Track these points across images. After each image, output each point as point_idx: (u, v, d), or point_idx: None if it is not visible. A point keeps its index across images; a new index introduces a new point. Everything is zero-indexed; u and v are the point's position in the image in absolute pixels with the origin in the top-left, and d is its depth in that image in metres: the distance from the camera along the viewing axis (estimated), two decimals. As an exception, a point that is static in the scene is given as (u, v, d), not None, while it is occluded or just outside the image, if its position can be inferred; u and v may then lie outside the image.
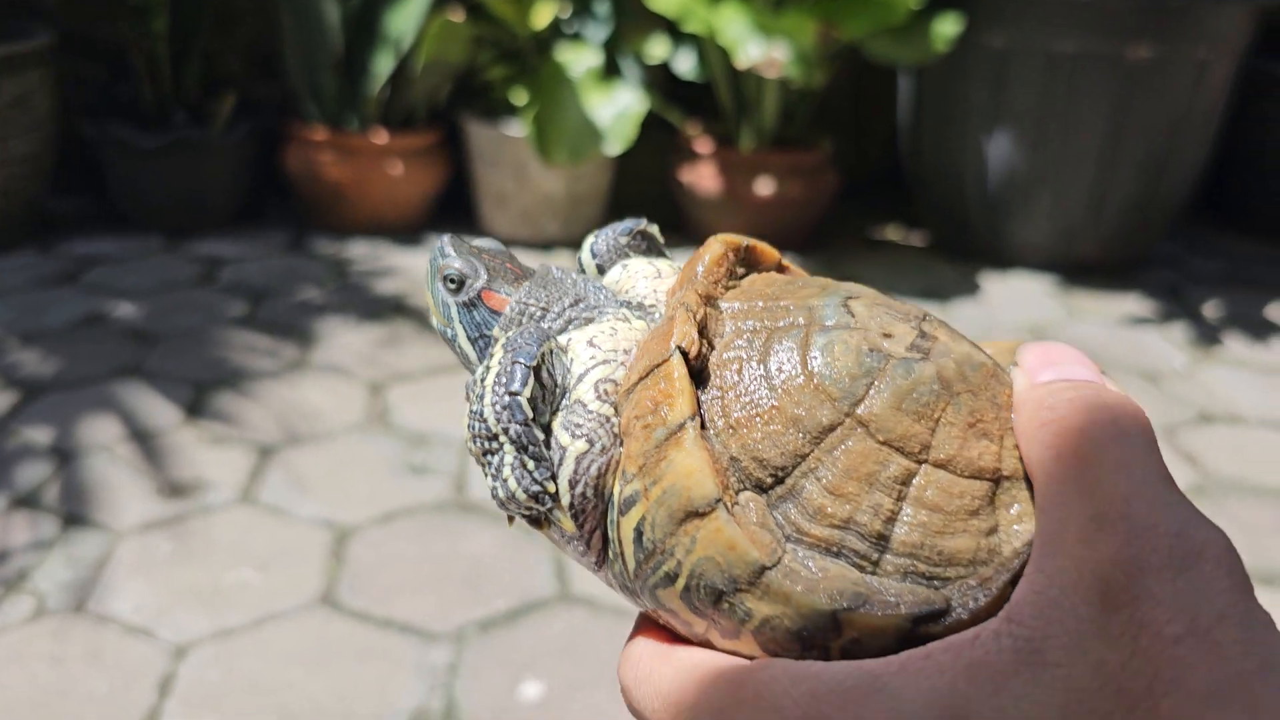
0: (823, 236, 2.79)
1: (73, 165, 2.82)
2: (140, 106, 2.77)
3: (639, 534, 0.37)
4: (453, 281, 0.46)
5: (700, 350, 0.39)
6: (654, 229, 0.48)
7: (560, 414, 0.41)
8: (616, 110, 2.44)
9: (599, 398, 0.40)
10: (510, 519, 0.42)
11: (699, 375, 0.39)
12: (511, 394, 0.40)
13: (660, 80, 2.73)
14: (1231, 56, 2.54)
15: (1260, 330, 2.41)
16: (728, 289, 0.42)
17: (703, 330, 0.39)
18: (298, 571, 1.48)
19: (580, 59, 2.52)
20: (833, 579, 0.35)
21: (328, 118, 2.71)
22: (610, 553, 0.40)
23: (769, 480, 0.37)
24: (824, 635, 0.34)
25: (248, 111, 2.82)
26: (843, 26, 2.30)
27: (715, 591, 0.36)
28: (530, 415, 0.40)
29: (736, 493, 0.37)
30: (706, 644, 0.37)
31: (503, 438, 0.40)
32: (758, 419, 0.37)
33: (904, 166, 2.93)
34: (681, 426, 0.37)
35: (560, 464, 0.40)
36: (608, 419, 0.40)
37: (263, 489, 1.66)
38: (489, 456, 0.41)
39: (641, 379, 0.39)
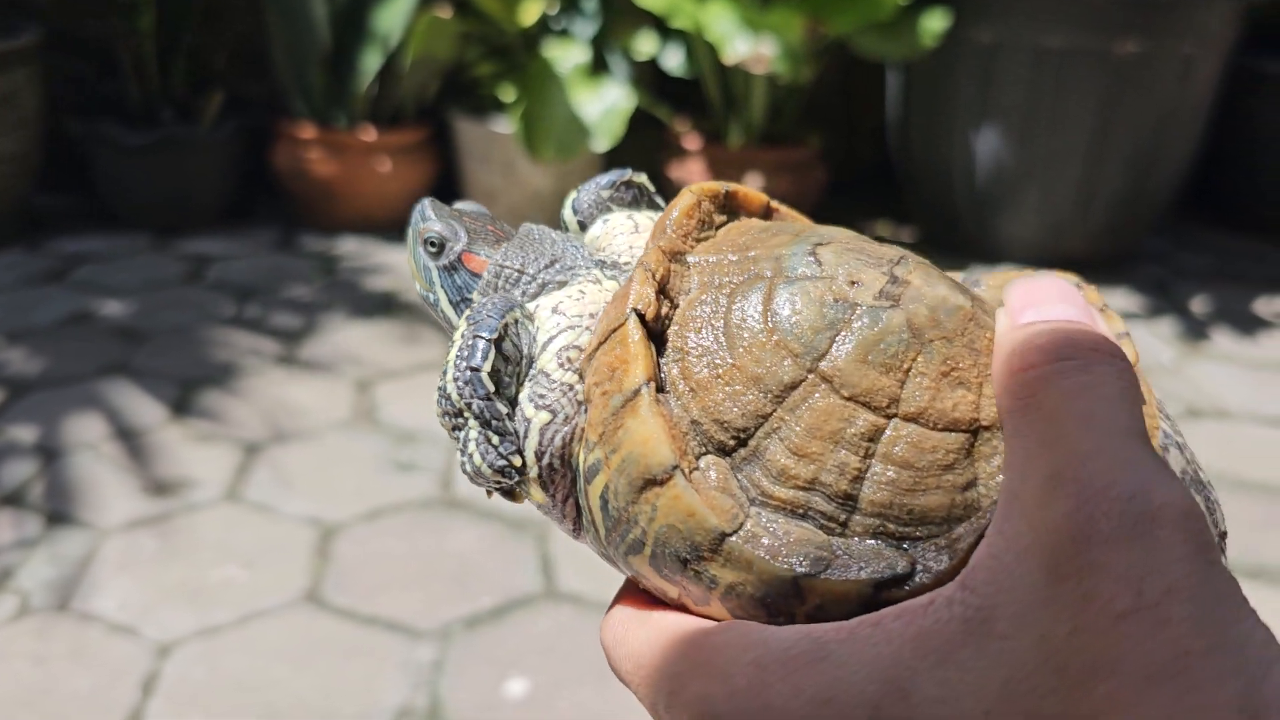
0: (812, 233, 2.78)
1: (60, 163, 2.81)
2: (127, 104, 2.76)
3: (604, 502, 0.37)
4: (433, 245, 0.45)
5: (659, 311, 0.38)
6: (641, 178, 0.46)
7: (526, 385, 0.40)
8: (604, 107, 2.44)
9: (562, 366, 0.39)
10: (489, 492, 0.42)
11: (660, 337, 0.38)
12: (473, 369, 0.39)
13: (648, 76, 2.72)
14: (1218, 52, 2.54)
15: (1248, 325, 2.41)
16: (700, 241, 0.41)
17: (665, 289, 0.38)
18: (283, 569, 1.48)
19: (568, 55, 2.52)
20: (797, 543, 0.34)
21: (316, 115, 2.71)
22: (584, 520, 0.39)
23: (731, 443, 0.35)
24: (788, 602, 0.34)
25: (235, 109, 2.81)
26: (830, 22, 2.30)
27: (680, 559, 0.35)
28: (492, 390, 0.40)
29: (698, 457, 0.35)
30: (683, 608, 0.36)
31: (467, 413, 0.40)
32: (719, 379, 0.36)
33: (893, 162, 2.93)
34: (637, 393, 0.36)
35: (526, 436, 0.40)
36: (571, 387, 0.39)
37: (249, 486, 1.66)
38: (456, 431, 0.41)
39: (601, 344, 0.38)
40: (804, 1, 2.35)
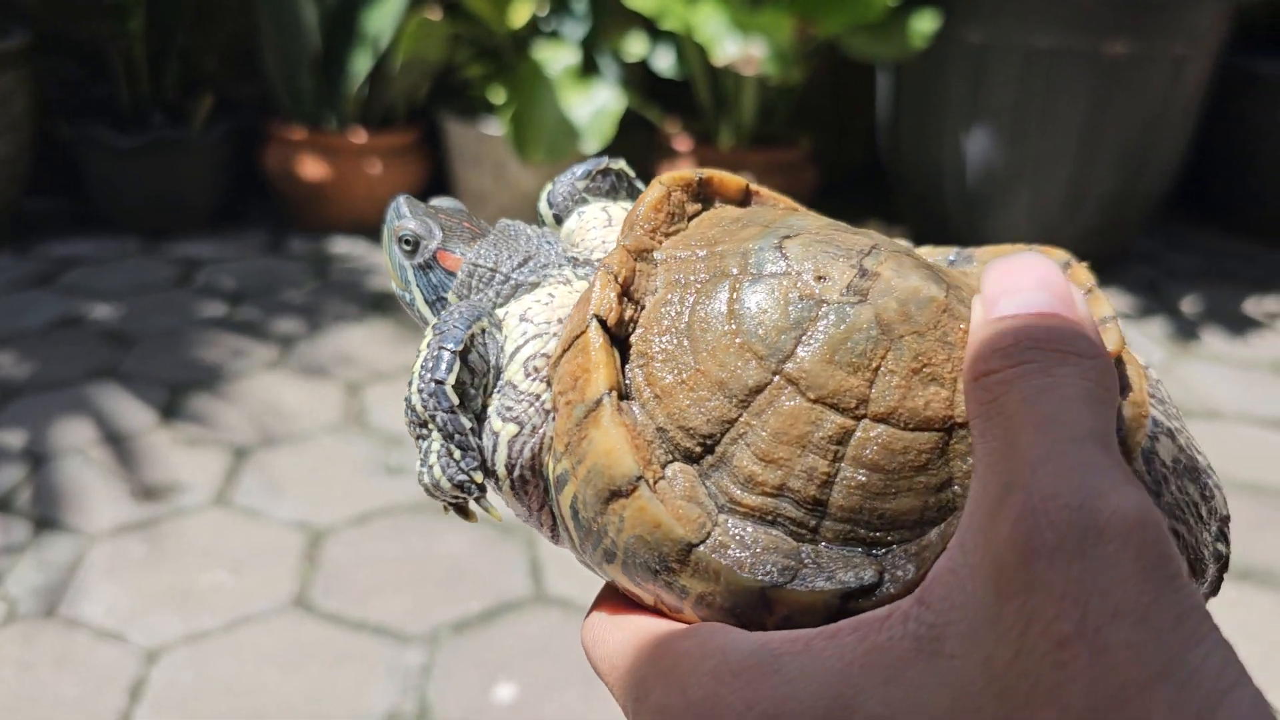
0: (803, 233, 2.78)
1: (50, 166, 2.81)
2: (118, 107, 2.75)
3: (575, 512, 0.36)
4: (407, 243, 0.44)
5: (622, 315, 0.37)
6: (618, 164, 0.45)
7: (494, 397, 0.40)
8: (594, 108, 2.44)
9: (529, 376, 0.39)
10: (444, 507, 0.41)
11: (625, 341, 0.37)
12: (437, 381, 0.39)
13: (639, 78, 2.72)
14: (1208, 53, 2.55)
15: (1237, 325, 2.42)
16: (669, 235, 0.39)
17: (629, 291, 0.37)
18: (272, 573, 1.47)
19: (558, 57, 2.51)
20: (765, 552, 0.33)
21: (306, 117, 2.70)
22: (559, 529, 0.39)
23: (698, 449, 0.35)
24: (756, 612, 0.33)
25: (226, 111, 2.80)
26: (819, 23, 2.30)
27: (650, 569, 0.34)
28: (456, 402, 0.39)
29: (664, 465, 0.35)
30: (659, 613, 0.36)
31: (430, 424, 0.39)
32: (683, 384, 0.35)
33: (883, 163, 2.93)
34: (598, 403, 0.35)
35: (495, 449, 0.39)
36: (538, 397, 0.38)
37: (237, 491, 1.65)
38: (420, 441, 0.40)
39: (565, 351, 0.37)
40: (794, 3, 2.35)
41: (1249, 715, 0.25)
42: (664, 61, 2.61)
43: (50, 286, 2.39)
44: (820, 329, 0.34)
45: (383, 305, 2.34)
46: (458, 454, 0.39)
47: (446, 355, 0.39)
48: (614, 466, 0.34)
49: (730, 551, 0.33)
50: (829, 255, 0.36)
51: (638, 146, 2.72)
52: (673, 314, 0.36)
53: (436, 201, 0.47)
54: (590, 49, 2.61)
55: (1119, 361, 0.34)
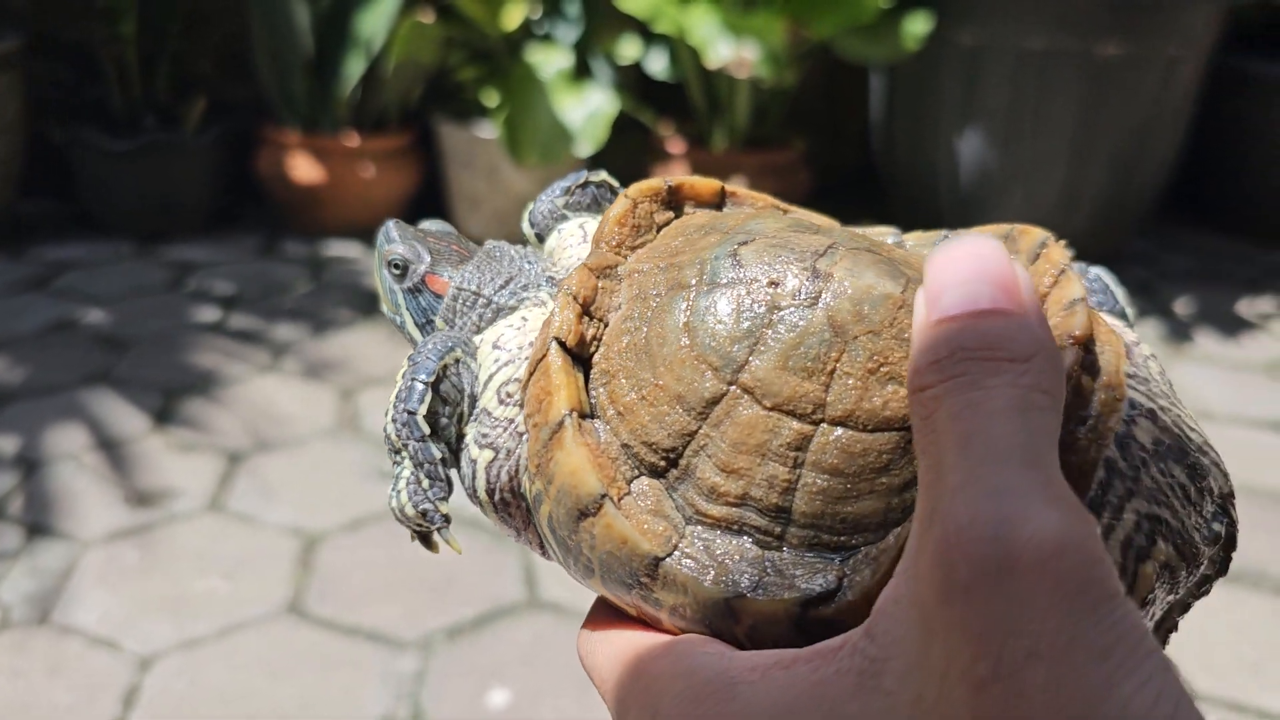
0: (797, 235, 2.78)
1: (43, 169, 2.80)
2: (110, 110, 2.75)
3: (553, 530, 0.37)
4: (397, 267, 0.45)
5: (582, 335, 0.37)
6: (599, 176, 0.45)
7: (471, 425, 0.40)
8: (588, 111, 2.44)
9: (503, 402, 0.40)
10: (412, 536, 0.42)
11: (588, 360, 0.37)
12: (409, 412, 0.40)
13: (632, 80, 2.72)
14: (1201, 54, 2.55)
15: (1230, 326, 2.42)
16: (636, 247, 0.40)
17: (591, 309, 0.38)
18: (265, 580, 1.47)
19: (551, 60, 2.51)
20: (731, 562, 0.33)
21: (299, 120, 2.70)
22: (545, 546, 0.40)
23: (662, 464, 0.35)
24: (724, 622, 0.33)
25: (219, 114, 2.80)
26: (812, 25, 2.31)
27: (624, 584, 0.35)
28: (427, 432, 0.40)
29: (629, 481, 0.35)
30: (643, 624, 0.36)
31: (404, 452, 0.41)
32: (644, 400, 0.35)
33: (877, 165, 2.93)
34: (560, 424, 0.36)
35: (475, 476, 0.40)
36: (512, 421, 0.39)
37: (231, 496, 1.65)
38: (395, 468, 0.41)
39: (531, 374, 0.38)
40: (786, 5, 2.35)
41: None
42: (657, 64, 2.61)
43: (44, 290, 2.39)
44: (772, 336, 0.34)
45: (377, 309, 2.34)
46: (425, 483, 0.40)
47: (419, 387, 0.40)
48: (579, 487, 0.35)
49: (695, 563, 0.34)
50: (782, 260, 0.36)
51: (631, 149, 2.72)
52: (633, 329, 0.37)
53: (426, 224, 0.48)
54: (583, 52, 2.61)
55: (1089, 345, 0.34)
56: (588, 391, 0.37)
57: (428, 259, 0.45)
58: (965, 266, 0.29)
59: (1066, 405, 0.32)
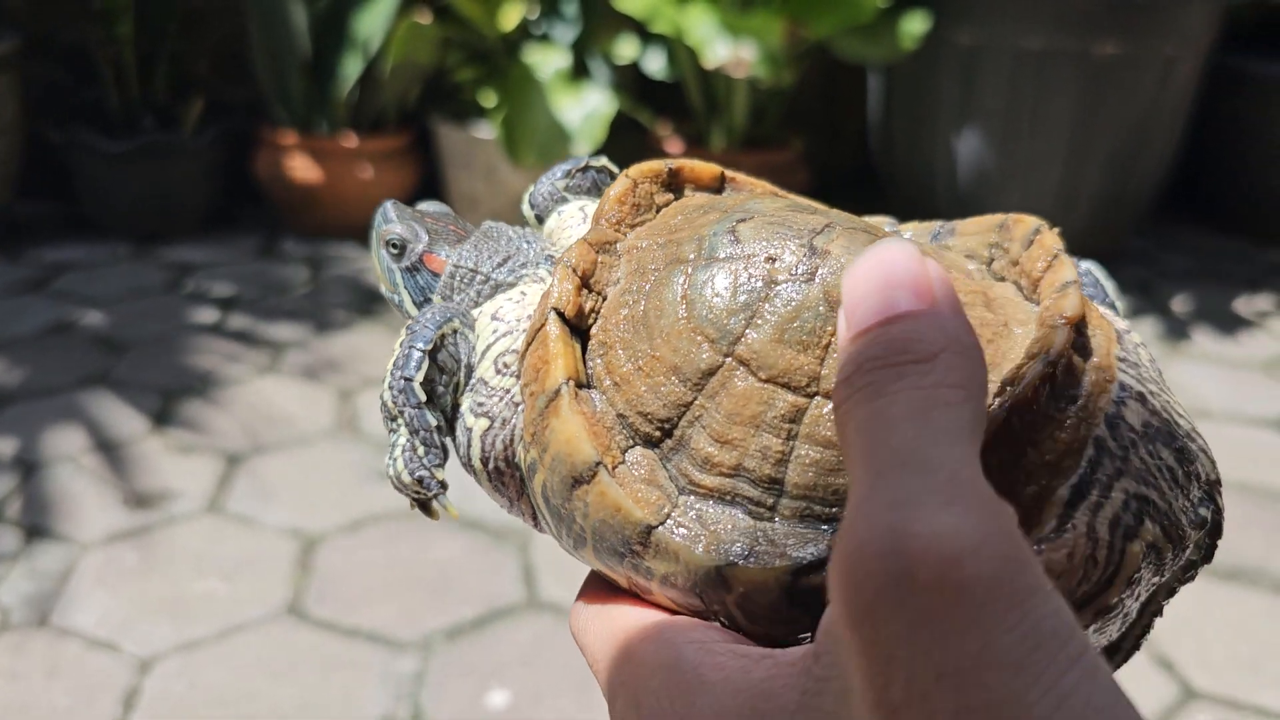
0: (795, 235, 2.78)
1: (40, 171, 2.80)
2: (108, 111, 2.75)
3: (546, 499, 0.37)
4: (394, 247, 0.46)
5: (581, 307, 0.38)
6: (599, 161, 0.46)
7: (467, 395, 0.41)
8: (586, 111, 2.44)
9: (500, 372, 0.40)
10: (411, 504, 0.43)
11: (586, 332, 0.38)
12: (406, 378, 0.40)
13: (630, 80, 2.72)
14: (1198, 53, 2.55)
15: (1228, 325, 2.43)
16: (635, 225, 0.40)
17: (590, 282, 0.38)
18: (264, 581, 1.47)
19: (549, 60, 2.51)
20: (723, 531, 0.34)
21: (297, 121, 2.70)
22: (538, 516, 0.40)
23: (657, 434, 0.35)
24: (716, 591, 0.34)
25: (217, 115, 2.80)
26: (810, 25, 2.31)
27: (616, 553, 0.35)
28: (423, 399, 0.40)
29: (624, 450, 0.36)
30: (635, 596, 0.37)
31: (400, 420, 0.41)
32: (640, 371, 0.36)
33: (875, 164, 2.94)
34: (557, 392, 0.36)
35: (470, 445, 0.40)
36: (509, 391, 0.40)
37: (230, 498, 1.65)
38: (391, 436, 0.42)
39: (529, 345, 0.38)
40: (784, 5, 2.35)
41: None
42: (655, 64, 2.61)
43: (42, 292, 2.39)
44: (769, 309, 0.35)
45: (375, 310, 2.34)
46: (421, 450, 0.41)
47: (416, 354, 0.40)
48: (574, 454, 0.35)
49: (687, 531, 0.34)
50: (780, 236, 0.36)
51: (629, 149, 2.72)
52: (631, 302, 0.37)
53: (423, 205, 0.48)
54: (581, 52, 2.61)
55: (1081, 326, 0.34)
56: (585, 363, 0.37)
57: (425, 238, 0.45)
58: (874, 275, 0.28)
59: (1058, 384, 0.33)
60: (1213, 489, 0.37)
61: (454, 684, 1.30)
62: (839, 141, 3.19)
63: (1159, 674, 1.34)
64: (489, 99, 2.53)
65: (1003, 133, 2.56)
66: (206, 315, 2.29)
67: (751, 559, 0.33)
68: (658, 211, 0.41)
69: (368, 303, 2.37)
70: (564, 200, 0.45)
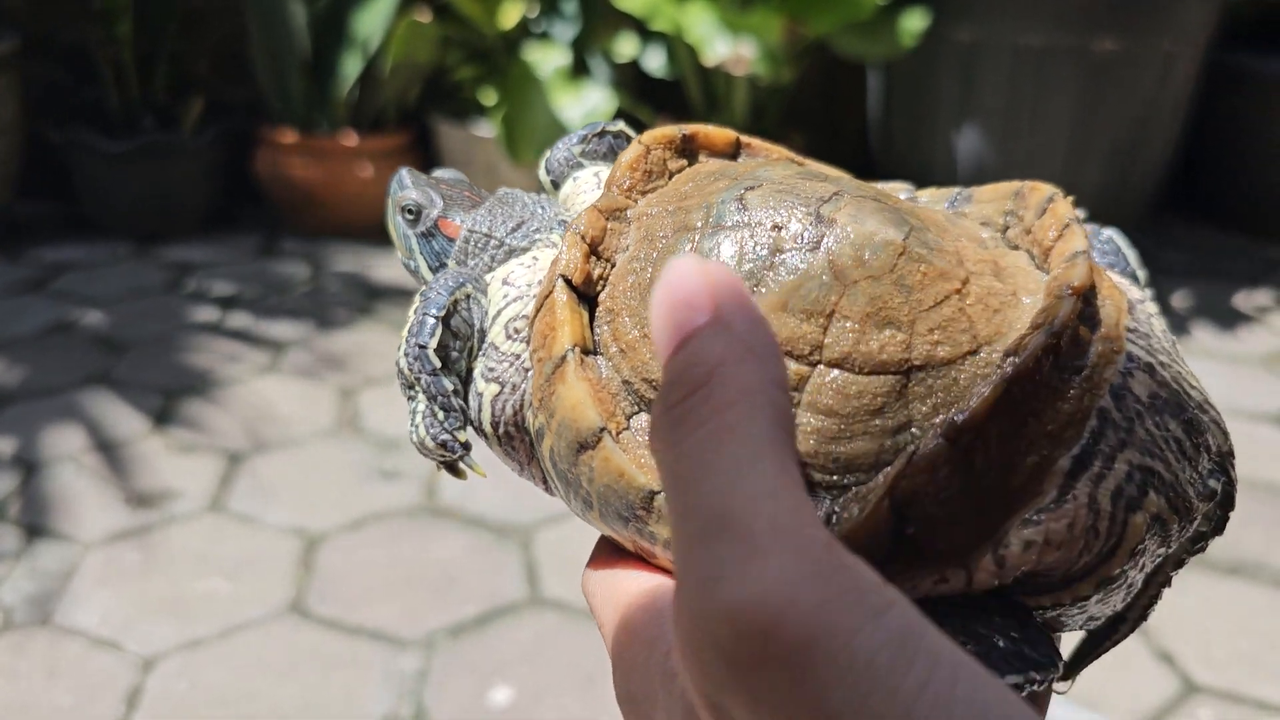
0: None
1: (40, 171, 2.80)
2: (107, 111, 2.75)
3: (554, 464, 0.38)
4: (410, 213, 0.46)
5: (589, 274, 0.38)
6: (616, 126, 0.46)
7: (479, 360, 0.41)
8: (585, 109, 2.44)
9: (510, 337, 0.40)
10: (437, 466, 0.43)
11: (594, 299, 0.38)
12: (420, 345, 0.41)
13: (630, 78, 2.72)
14: (1196, 49, 2.55)
15: (1228, 320, 2.43)
16: (647, 192, 0.40)
17: (599, 250, 0.38)
18: (267, 580, 1.47)
19: (548, 58, 2.51)
20: None
21: (297, 120, 2.70)
22: (548, 480, 0.40)
23: None
24: None
25: (217, 114, 2.80)
26: (809, 23, 2.31)
27: (621, 517, 0.36)
28: (438, 365, 0.41)
29: (629, 417, 0.36)
30: (641, 559, 0.37)
31: (416, 386, 0.41)
32: (646, 338, 0.36)
33: (875, 162, 2.93)
34: (564, 358, 0.36)
35: (480, 409, 0.41)
36: (519, 356, 0.40)
37: (232, 497, 1.65)
38: (410, 404, 0.42)
39: (538, 311, 0.39)
40: (783, 2, 2.35)
41: None
42: (655, 62, 2.61)
43: (42, 292, 2.39)
44: (774, 278, 0.35)
45: (375, 308, 2.34)
46: (441, 415, 0.41)
47: (430, 321, 0.41)
48: (579, 420, 0.36)
49: None
50: (787, 204, 0.36)
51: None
52: (638, 270, 0.38)
53: (438, 173, 0.49)
54: (581, 50, 2.61)
55: (1090, 297, 0.34)
56: (592, 330, 0.38)
57: (440, 204, 0.46)
58: (661, 303, 0.27)
59: (1062, 355, 0.33)
60: (1224, 460, 0.37)
61: (456, 682, 1.30)
62: (839, 139, 3.19)
63: (1160, 668, 1.34)
64: (489, 97, 2.53)
65: (1002, 130, 2.56)
66: (207, 315, 2.29)
67: None
68: (670, 178, 0.41)
69: (368, 301, 2.37)
70: (579, 165, 0.45)
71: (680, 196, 0.39)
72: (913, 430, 0.33)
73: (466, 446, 0.41)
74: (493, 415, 0.40)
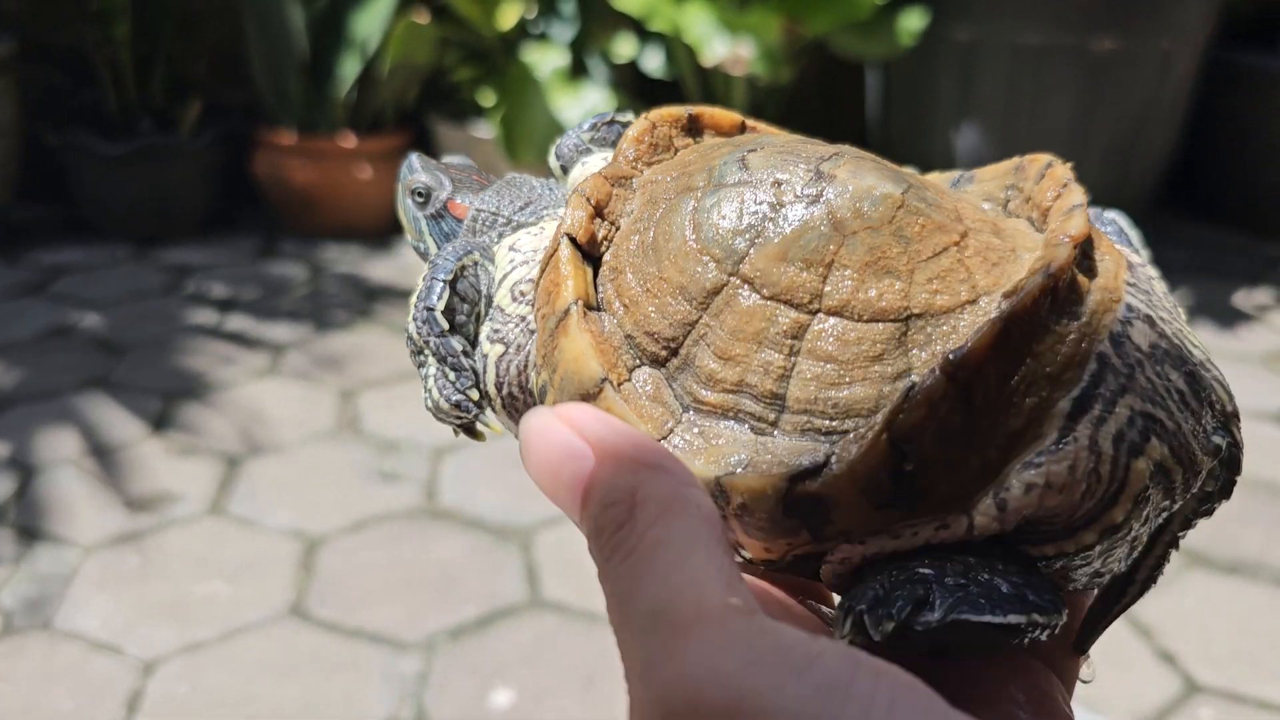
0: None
1: (38, 174, 2.80)
2: (105, 113, 2.75)
3: None
4: (420, 195, 0.47)
5: (593, 234, 0.38)
6: (625, 116, 0.47)
7: (485, 323, 0.42)
8: (584, 110, 2.44)
9: (515, 300, 0.41)
10: (455, 430, 0.44)
11: (598, 259, 0.38)
12: (428, 308, 0.41)
13: (628, 79, 2.72)
14: (1195, 48, 2.56)
15: (1228, 319, 2.43)
16: (652, 164, 0.41)
17: (604, 212, 0.39)
18: (267, 583, 1.47)
19: (547, 59, 2.51)
20: (724, 445, 0.34)
21: (295, 122, 2.70)
22: None
23: (664, 353, 0.36)
24: (716, 502, 0.34)
25: (215, 116, 2.80)
26: (807, 22, 2.31)
27: None
28: (446, 327, 0.41)
29: (631, 370, 0.36)
30: None
31: (426, 350, 0.42)
32: (649, 292, 0.37)
33: (874, 161, 2.94)
34: (567, 312, 0.37)
35: (485, 370, 0.41)
36: (524, 318, 0.41)
37: (231, 500, 1.65)
38: (421, 370, 0.43)
39: (543, 271, 0.39)
40: (782, 2, 2.35)
41: None
42: (653, 62, 2.61)
43: (40, 295, 2.39)
44: (774, 230, 0.35)
45: (374, 310, 2.34)
46: (452, 375, 0.42)
47: (437, 284, 0.42)
48: (581, 371, 0.36)
49: (688, 445, 0.35)
50: (789, 163, 0.37)
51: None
52: (642, 229, 0.38)
53: (448, 158, 0.50)
54: (579, 51, 2.61)
55: (1088, 249, 0.34)
56: (596, 288, 0.38)
57: (449, 186, 0.47)
58: (543, 473, 0.30)
59: (1060, 299, 0.33)
60: (1230, 421, 0.36)
61: (457, 684, 1.30)
62: (837, 139, 3.18)
63: (1161, 668, 1.34)
64: (487, 98, 2.53)
65: (1001, 129, 2.57)
66: (206, 317, 2.29)
67: (749, 469, 0.33)
68: (676, 154, 0.42)
69: (367, 303, 2.37)
70: (589, 152, 0.46)
71: (684, 164, 0.40)
72: (911, 377, 0.33)
73: (479, 405, 0.42)
74: (497, 376, 0.41)
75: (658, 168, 0.41)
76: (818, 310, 0.34)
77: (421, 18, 2.54)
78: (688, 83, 2.58)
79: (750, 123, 0.44)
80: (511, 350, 0.40)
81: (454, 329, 0.42)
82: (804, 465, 0.33)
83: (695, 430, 0.35)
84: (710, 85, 2.59)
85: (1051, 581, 0.34)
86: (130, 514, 1.61)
